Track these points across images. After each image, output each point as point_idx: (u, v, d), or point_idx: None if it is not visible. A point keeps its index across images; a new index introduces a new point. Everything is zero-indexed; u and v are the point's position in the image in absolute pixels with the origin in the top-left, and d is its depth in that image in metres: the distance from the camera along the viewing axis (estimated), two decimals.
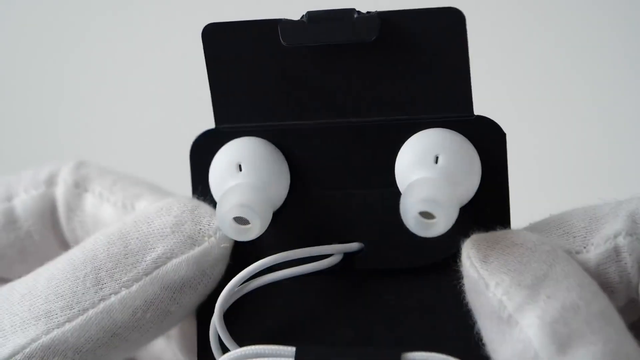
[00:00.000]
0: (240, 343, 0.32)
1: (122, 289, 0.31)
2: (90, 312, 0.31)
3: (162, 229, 0.32)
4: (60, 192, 0.35)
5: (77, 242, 0.35)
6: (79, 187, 0.35)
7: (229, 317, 0.32)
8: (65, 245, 0.36)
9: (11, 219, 0.36)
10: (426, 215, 0.30)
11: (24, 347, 0.31)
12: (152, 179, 0.36)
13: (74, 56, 0.70)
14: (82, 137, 0.70)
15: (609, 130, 0.65)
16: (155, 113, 0.69)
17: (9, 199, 0.36)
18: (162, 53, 0.68)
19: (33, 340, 0.31)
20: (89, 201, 0.35)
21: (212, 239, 0.32)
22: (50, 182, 0.36)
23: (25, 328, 0.31)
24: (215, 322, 0.32)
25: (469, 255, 0.30)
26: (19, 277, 0.33)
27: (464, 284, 0.31)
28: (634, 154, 0.64)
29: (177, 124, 0.61)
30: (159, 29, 0.68)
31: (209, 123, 0.33)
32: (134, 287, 0.31)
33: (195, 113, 0.43)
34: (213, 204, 0.33)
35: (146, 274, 0.31)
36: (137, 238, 0.32)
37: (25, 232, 0.36)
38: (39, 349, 0.31)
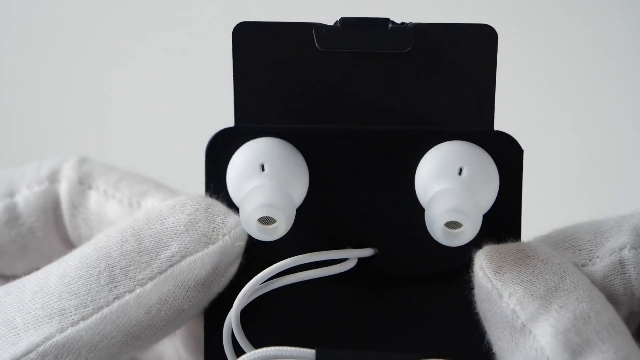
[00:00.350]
0: (255, 344, 0.32)
1: (137, 287, 0.31)
2: (105, 310, 0.31)
3: (176, 226, 0.32)
4: (63, 189, 0.35)
5: (80, 239, 0.35)
6: (83, 183, 0.35)
7: (241, 317, 0.32)
8: (67, 242, 0.36)
9: (13, 215, 0.35)
10: (451, 225, 0.31)
11: (37, 346, 0.30)
12: (159, 176, 0.36)
13: (89, 49, 0.68)
14: (92, 133, 0.68)
15: (613, 145, 0.67)
16: (165, 111, 0.68)
17: (11, 194, 0.35)
18: (179, 48, 0.67)
19: (47, 339, 0.30)
20: (93, 198, 0.35)
21: (227, 237, 0.32)
22: (53, 178, 0.35)
23: (39, 326, 0.30)
24: (232, 322, 0.31)
25: (482, 266, 0.31)
26: (21, 273, 0.33)
27: (473, 294, 0.32)
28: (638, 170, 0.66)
29: (185, 123, 0.60)
30: (179, 21, 0.67)
31: (220, 122, 0.33)
32: (149, 285, 0.31)
33: (204, 112, 0.42)
34: (226, 201, 0.33)
35: (160, 272, 0.31)
36: (151, 236, 0.32)
37: (28, 228, 0.35)
38: (53, 347, 0.30)
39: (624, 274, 0.32)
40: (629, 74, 0.66)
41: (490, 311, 0.31)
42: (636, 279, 0.32)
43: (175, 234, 0.32)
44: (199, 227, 0.32)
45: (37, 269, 0.32)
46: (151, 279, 0.31)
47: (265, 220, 0.31)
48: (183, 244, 0.31)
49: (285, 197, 0.31)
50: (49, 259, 0.34)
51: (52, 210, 0.35)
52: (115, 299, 0.31)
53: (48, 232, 0.35)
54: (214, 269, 0.32)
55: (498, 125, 0.33)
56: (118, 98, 0.68)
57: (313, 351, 0.31)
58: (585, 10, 0.66)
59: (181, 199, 0.33)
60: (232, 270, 0.32)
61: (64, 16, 0.68)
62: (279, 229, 0.31)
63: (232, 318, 0.31)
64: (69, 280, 0.31)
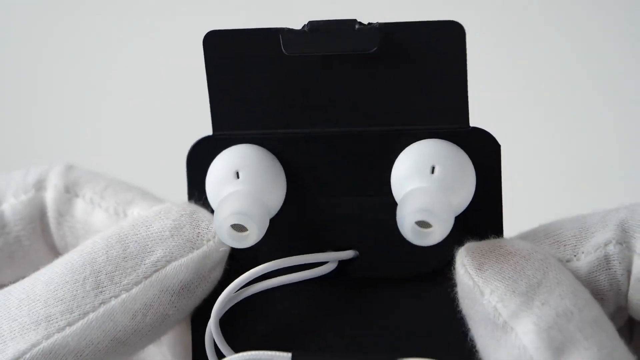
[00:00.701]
0: (235, 349, 0.32)
1: (123, 292, 0.31)
2: (91, 315, 0.31)
3: (161, 232, 0.32)
4: (50, 197, 0.35)
5: (66, 248, 0.35)
6: (69, 192, 0.35)
7: (224, 323, 0.32)
8: (54, 251, 0.36)
9: (0, 224, 0.35)
10: (422, 224, 0.31)
11: (24, 353, 0.31)
12: (146, 185, 0.36)
13: (67, 59, 0.70)
14: (75, 141, 0.69)
15: (598, 141, 0.66)
16: (150, 120, 0.69)
17: None
18: (157, 59, 0.68)
19: (34, 345, 0.31)
20: (80, 207, 0.35)
21: (211, 242, 0.32)
22: (40, 186, 0.35)
23: (25, 333, 0.31)
24: (212, 328, 0.32)
25: (463, 264, 0.31)
26: (7, 282, 0.33)
27: (456, 292, 0.31)
28: (623, 165, 0.65)
29: (170, 131, 0.61)
30: (157, 33, 0.68)
31: (204, 130, 0.33)
32: (134, 290, 0.31)
33: (189, 120, 0.43)
34: (210, 210, 0.33)
35: (146, 277, 0.32)
36: (136, 241, 0.32)
37: (14, 237, 0.35)
38: (40, 353, 0.31)
39: (610, 269, 0.32)
40: (607, 68, 0.65)
41: (472, 309, 0.31)
42: (622, 275, 0.32)
43: (161, 239, 0.32)
44: (184, 232, 0.32)
45: (24, 277, 0.33)
46: (136, 284, 0.31)
47: (239, 228, 0.31)
48: (168, 249, 0.32)
49: (257, 205, 0.32)
50: (35, 268, 0.34)
51: (38, 218, 0.35)
52: (101, 304, 0.31)
53: (35, 240, 0.36)
54: (198, 274, 0.32)
55: (479, 123, 0.32)
56: (102, 104, 0.69)
57: (289, 355, 0.31)
58: (561, 4, 0.65)
59: (166, 205, 0.33)
60: (216, 274, 0.33)
61: (42, 22, 0.70)
62: (251, 237, 0.31)
63: (212, 324, 0.32)
64: (55, 287, 0.31)
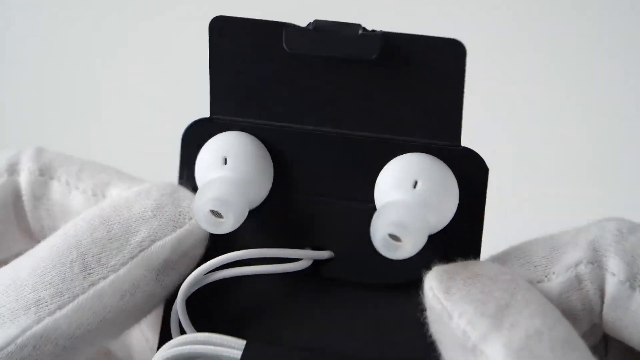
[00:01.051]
0: (198, 329, 0.32)
1: (111, 273, 0.32)
2: (81, 298, 0.31)
3: (144, 212, 0.33)
4: (24, 180, 0.35)
5: (42, 231, 0.36)
6: (44, 174, 0.35)
7: (192, 304, 0.33)
8: (27, 234, 0.36)
9: None
10: (395, 237, 0.31)
11: (16, 337, 0.31)
12: (141, 170, 0.37)
13: (61, 49, 0.70)
14: (68, 127, 0.70)
15: (585, 155, 0.66)
16: (145, 105, 0.69)
17: None
18: (155, 46, 0.68)
19: (25, 330, 0.31)
20: (56, 189, 0.35)
21: (193, 220, 0.33)
22: (12, 170, 0.35)
23: (15, 318, 0.31)
24: (177, 307, 0.32)
25: (431, 287, 0.31)
26: None
27: (426, 316, 0.31)
28: (610, 173, 0.65)
29: (166, 115, 0.61)
30: (153, 21, 0.69)
31: (201, 113, 0.34)
32: (122, 271, 0.32)
33: (184, 104, 0.43)
34: (194, 189, 0.33)
35: (132, 257, 0.32)
36: (119, 222, 0.32)
37: None
38: (31, 337, 0.31)
39: (581, 289, 0.32)
40: (597, 84, 0.64)
41: (441, 333, 0.31)
42: (594, 294, 0.32)
43: (143, 219, 0.32)
44: (166, 211, 0.33)
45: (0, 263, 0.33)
46: (123, 264, 0.32)
47: (217, 213, 0.32)
48: (152, 229, 0.32)
49: (238, 194, 0.32)
50: (9, 251, 0.35)
51: (12, 202, 0.35)
52: (90, 286, 0.31)
53: (9, 225, 0.36)
54: (182, 252, 0.33)
55: (468, 142, 0.32)
56: (103, 92, 0.69)
57: (243, 342, 0.31)
58: (555, 18, 0.64)
59: (146, 185, 0.33)
60: (199, 251, 0.33)
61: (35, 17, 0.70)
62: (226, 224, 0.32)
63: (178, 303, 0.32)
64: (42, 271, 0.32)
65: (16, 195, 0.36)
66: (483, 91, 0.59)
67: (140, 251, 0.32)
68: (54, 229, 0.35)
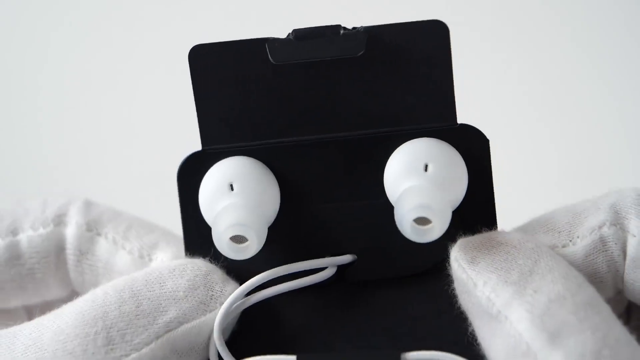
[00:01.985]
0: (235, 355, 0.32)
1: (133, 351, 0.31)
2: None
3: (175, 292, 0.32)
4: (70, 233, 0.35)
5: (83, 285, 0.35)
6: (91, 230, 0.35)
7: (228, 340, 0.32)
8: (64, 284, 0.36)
9: (15, 254, 0.35)
10: (421, 221, 0.31)
11: None
12: (139, 206, 0.36)
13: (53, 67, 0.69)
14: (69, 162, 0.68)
15: (589, 135, 0.67)
16: (140, 134, 0.68)
17: (14, 232, 0.35)
18: (143, 74, 0.67)
19: None
20: (102, 246, 0.35)
21: (224, 305, 0.32)
22: (59, 221, 0.35)
23: None
24: (215, 341, 0.32)
25: (456, 258, 0.31)
26: (14, 307, 0.33)
27: (454, 288, 0.32)
28: (614, 159, 0.66)
29: (161, 146, 0.61)
30: (144, 50, 0.68)
31: (193, 145, 0.33)
32: (145, 350, 0.31)
33: (178, 135, 0.43)
34: (203, 224, 0.33)
35: (157, 337, 0.31)
36: (150, 299, 0.32)
37: (28, 269, 0.35)
38: None
39: (606, 251, 0.32)
40: (593, 63, 0.66)
41: (468, 302, 0.31)
42: (619, 255, 0.32)
43: (174, 299, 0.32)
44: (198, 294, 0.32)
45: (30, 306, 0.32)
46: (147, 344, 0.31)
47: (238, 239, 0.31)
48: (181, 310, 0.32)
49: (255, 214, 0.32)
50: (41, 298, 0.34)
51: (55, 253, 0.35)
52: None
53: (48, 274, 0.35)
54: (208, 336, 0.32)
55: (468, 120, 0.33)
56: (90, 120, 0.68)
57: (294, 357, 0.31)
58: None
59: (181, 262, 0.33)
60: (225, 335, 0.32)
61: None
62: (251, 247, 0.31)
63: (215, 336, 0.32)
64: (65, 338, 0.31)
65: (60, 247, 0.35)
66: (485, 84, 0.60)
67: (167, 332, 0.31)
68: (95, 284, 0.34)
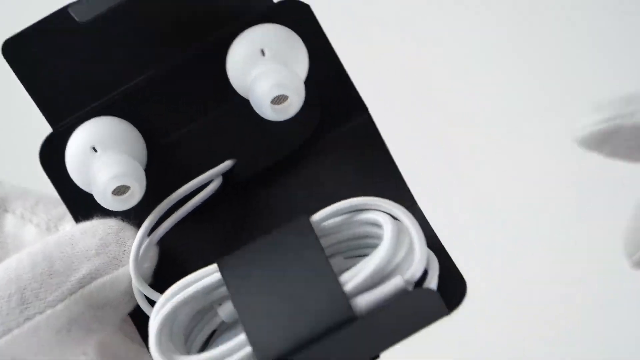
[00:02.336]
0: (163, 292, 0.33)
1: (47, 308, 0.32)
2: (15, 331, 0.31)
3: (87, 250, 0.33)
4: None
5: None
6: None
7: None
8: None
9: None
10: (278, 101, 0.32)
11: None
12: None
13: None
14: None
15: None
16: None
17: None
18: None
19: None
20: (10, 221, 0.35)
21: None
22: None
23: None
24: (135, 283, 0.33)
25: None
26: None
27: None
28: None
29: None
30: None
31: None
32: (59, 307, 0.32)
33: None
34: (82, 194, 0.33)
35: (71, 293, 0.32)
36: (62, 259, 0.32)
37: None
38: None
39: None
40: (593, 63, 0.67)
41: None
42: None
43: (86, 257, 0.32)
44: (110, 250, 0.33)
45: None
46: (61, 300, 0.32)
47: (120, 191, 0.32)
48: (94, 267, 0.32)
49: (129, 162, 0.32)
50: None
51: None
52: (25, 320, 0.31)
53: None
54: (122, 290, 0.33)
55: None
56: None
57: (214, 265, 0.32)
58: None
59: (93, 223, 0.33)
60: (148, 281, 0.33)
61: None
62: (135, 193, 0.32)
63: (133, 275, 0.32)
64: None
65: None
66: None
67: (81, 287, 0.32)
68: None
